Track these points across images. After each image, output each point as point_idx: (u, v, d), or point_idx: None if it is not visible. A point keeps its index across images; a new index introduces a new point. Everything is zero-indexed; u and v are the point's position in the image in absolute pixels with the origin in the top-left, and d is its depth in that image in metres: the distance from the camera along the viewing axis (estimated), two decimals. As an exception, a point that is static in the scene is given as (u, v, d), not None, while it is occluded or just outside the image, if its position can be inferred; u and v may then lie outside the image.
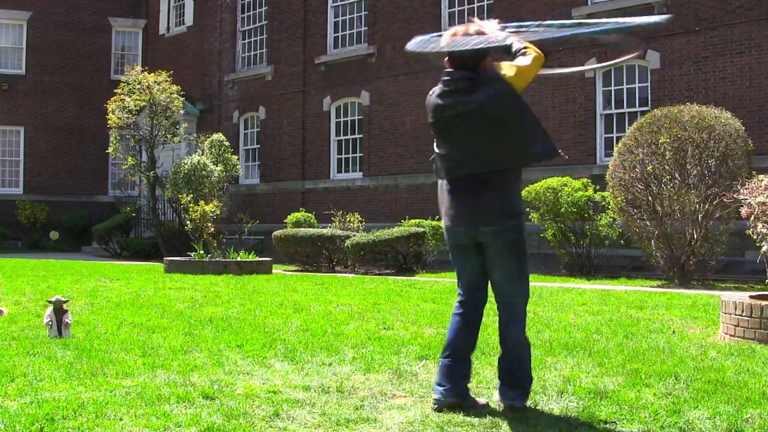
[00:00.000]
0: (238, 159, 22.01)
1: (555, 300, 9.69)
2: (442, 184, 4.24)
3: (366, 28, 21.00)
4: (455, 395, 4.11)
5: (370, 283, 12.10)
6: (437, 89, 4.18)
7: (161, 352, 5.77)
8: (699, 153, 11.99)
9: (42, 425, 3.73)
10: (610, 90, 16.35)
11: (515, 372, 4.17)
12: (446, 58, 4.16)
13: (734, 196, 9.33)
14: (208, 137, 21.41)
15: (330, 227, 17.59)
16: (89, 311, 8.26)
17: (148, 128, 21.29)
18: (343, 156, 21.55)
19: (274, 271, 15.49)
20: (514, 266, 4.13)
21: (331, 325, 7.24)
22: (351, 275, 14.94)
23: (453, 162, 4.13)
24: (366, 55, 20.67)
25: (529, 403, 4.33)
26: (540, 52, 4.08)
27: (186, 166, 19.81)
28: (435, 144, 4.26)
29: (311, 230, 17.09)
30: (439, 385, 4.16)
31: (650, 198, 12.31)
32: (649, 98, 15.58)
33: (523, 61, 4.04)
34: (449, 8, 18.97)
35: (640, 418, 4.00)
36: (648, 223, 12.50)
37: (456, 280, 4.40)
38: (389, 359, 5.52)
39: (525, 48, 4.09)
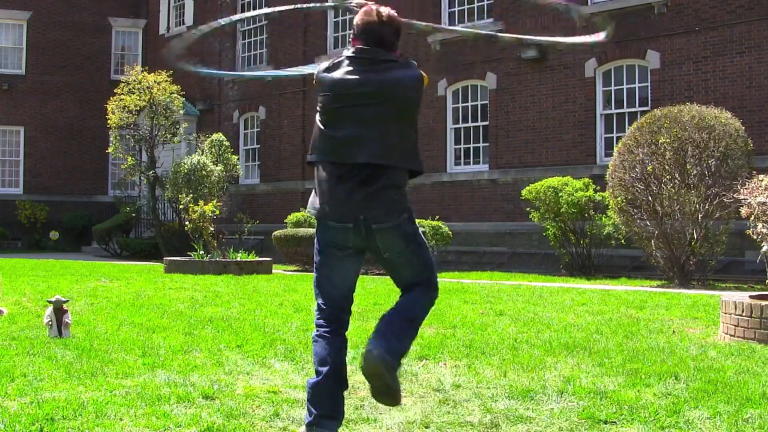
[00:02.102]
0: (238, 159, 22.00)
1: (555, 300, 9.69)
2: (326, 169, 3.66)
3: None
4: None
5: (370, 283, 12.10)
6: (343, 64, 3.65)
7: (161, 352, 5.77)
8: (699, 153, 11.99)
9: (42, 425, 3.73)
10: (610, 90, 16.34)
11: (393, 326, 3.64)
12: (354, 36, 3.74)
13: (734, 196, 9.33)
14: (208, 137, 21.41)
15: (330, 227, 17.55)
16: (89, 311, 8.26)
17: (148, 128, 21.29)
18: (343, 156, 21.53)
19: (274, 271, 15.49)
20: (418, 258, 3.74)
21: (331, 325, 7.23)
22: (351, 275, 14.92)
23: (350, 146, 3.60)
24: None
25: (529, 403, 4.33)
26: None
27: (186, 166, 19.81)
28: (322, 122, 3.68)
29: (311, 230, 17.07)
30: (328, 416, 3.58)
31: (650, 198, 12.31)
32: (649, 98, 15.58)
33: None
34: (449, 8, 18.97)
35: (640, 418, 4.00)
36: (648, 223, 12.50)
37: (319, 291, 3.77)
38: (389, 359, 5.51)
39: None
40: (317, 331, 3.67)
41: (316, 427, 3.50)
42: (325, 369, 3.55)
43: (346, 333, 3.71)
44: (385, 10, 3.74)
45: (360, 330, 6.95)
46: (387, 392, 3.48)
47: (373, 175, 3.56)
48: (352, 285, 3.75)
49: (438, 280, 3.84)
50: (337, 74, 3.65)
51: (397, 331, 3.58)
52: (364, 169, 3.56)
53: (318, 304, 3.72)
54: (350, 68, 3.64)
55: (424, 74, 3.71)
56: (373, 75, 3.61)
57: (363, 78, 3.61)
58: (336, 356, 3.59)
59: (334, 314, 3.68)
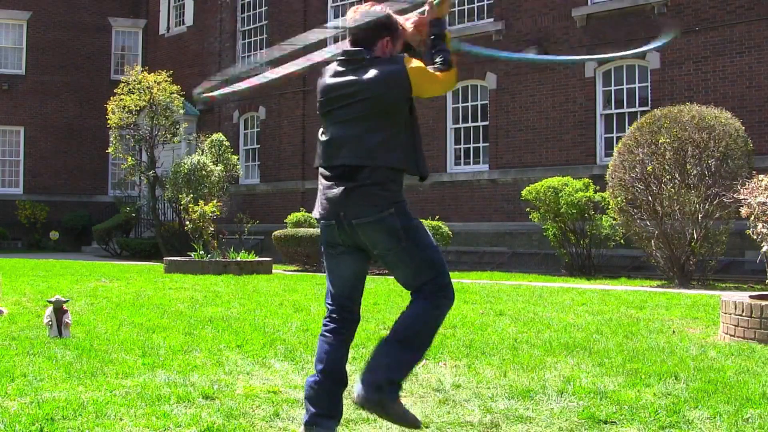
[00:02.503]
0: (238, 159, 22.00)
1: (555, 300, 9.69)
2: (320, 173, 3.72)
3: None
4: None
5: (370, 283, 12.08)
6: (330, 68, 3.72)
7: (161, 352, 5.76)
8: (699, 153, 11.99)
9: (42, 425, 3.73)
10: (610, 90, 16.34)
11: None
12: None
13: (734, 196, 9.33)
14: (208, 137, 21.41)
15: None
16: (89, 311, 8.26)
17: (148, 128, 21.29)
18: (343, 156, 21.53)
19: (274, 271, 15.49)
20: (413, 257, 3.57)
21: (331, 325, 7.23)
22: (351, 275, 14.92)
23: (331, 148, 3.62)
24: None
25: (529, 403, 4.32)
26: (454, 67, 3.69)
27: (186, 166, 19.81)
28: (320, 127, 3.77)
29: (311, 230, 17.08)
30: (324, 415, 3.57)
31: (650, 198, 12.31)
32: (649, 98, 15.58)
33: (446, 72, 3.66)
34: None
35: (640, 418, 4.00)
36: (648, 223, 12.50)
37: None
38: (389, 359, 5.51)
39: (449, 56, 3.70)
40: (321, 329, 3.72)
41: (315, 427, 3.50)
42: (321, 367, 3.58)
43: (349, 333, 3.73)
44: (361, 8, 3.70)
45: (359, 330, 6.95)
46: (391, 419, 3.50)
47: (352, 175, 3.55)
48: (352, 284, 3.75)
49: (451, 281, 3.64)
50: (325, 79, 3.73)
51: (386, 360, 3.51)
52: (345, 171, 3.57)
53: (325, 303, 3.78)
54: (335, 71, 3.70)
55: (419, 66, 3.60)
56: (352, 75, 3.61)
57: (343, 80, 3.63)
58: (333, 355, 3.60)
59: (336, 313, 3.70)
